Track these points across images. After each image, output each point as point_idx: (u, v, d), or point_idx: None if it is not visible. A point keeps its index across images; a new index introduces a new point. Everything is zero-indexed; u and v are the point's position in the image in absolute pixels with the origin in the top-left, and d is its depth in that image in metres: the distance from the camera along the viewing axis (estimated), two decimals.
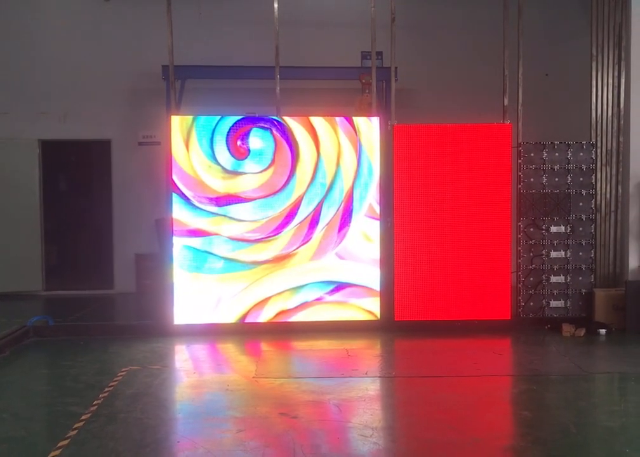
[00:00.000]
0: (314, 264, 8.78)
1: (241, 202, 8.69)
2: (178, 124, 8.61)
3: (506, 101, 9.01)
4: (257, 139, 8.70)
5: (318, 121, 8.78)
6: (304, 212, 8.76)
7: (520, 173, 8.91)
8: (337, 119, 8.82)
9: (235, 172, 8.69)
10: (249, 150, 8.69)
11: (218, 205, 8.66)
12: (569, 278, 8.92)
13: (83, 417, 5.69)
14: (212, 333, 8.59)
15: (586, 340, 8.39)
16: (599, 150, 9.09)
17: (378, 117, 8.92)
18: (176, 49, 8.98)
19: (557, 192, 8.91)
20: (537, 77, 10.63)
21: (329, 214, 8.78)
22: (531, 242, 8.91)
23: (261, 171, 8.72)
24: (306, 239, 8.77)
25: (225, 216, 8.67)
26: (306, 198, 8.76)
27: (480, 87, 10.40)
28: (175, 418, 5.99)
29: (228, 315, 8.70)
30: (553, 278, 8.93)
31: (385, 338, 8.54)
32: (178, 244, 8.62)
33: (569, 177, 8.90)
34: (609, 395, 6.85)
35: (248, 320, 8.71)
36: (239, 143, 8.68)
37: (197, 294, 8.65)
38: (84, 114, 11.39)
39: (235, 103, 10.51)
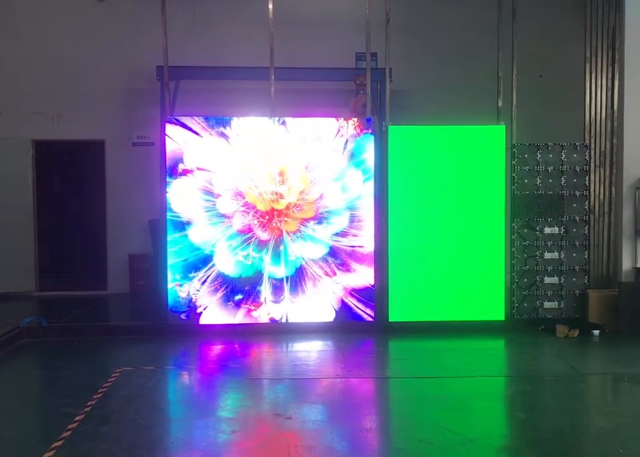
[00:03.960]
0: None
1: None
2: None
3: (500, 103, 9.04)
4: None
5: (313, 122, 8.78)
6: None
7: (514, 174, 8.93)
8: (332, 120, 8.81)
9: None
10: None
11: None
12: (562, 279, 8.95)
13: (77, 418, 5.67)
14: (207, 333, 8.58)
15: (580, 341, 8.41)
16: (592, 152, 9.13)
17: (373, 118, 8.93)
18: (171, 50, 8.96)
19: (551, 193, 8.93)
20: (531, 79, 10.67)
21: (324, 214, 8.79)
22: (525, 243, 8.93)
23: None
24: None
25: None
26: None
27: (475, 88, 10.42)
28: (169, 419, 5.99)
29: (222, 316, 8.71)
30: (547, 280, 8.95)
31: (379, 339, 8.55)
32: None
33: (562, 178, 8.92)
34: (602, 395, 6.88)
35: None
36: None
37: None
38: (78, 114, 11.34)
39: (230, 103, 10.48)
